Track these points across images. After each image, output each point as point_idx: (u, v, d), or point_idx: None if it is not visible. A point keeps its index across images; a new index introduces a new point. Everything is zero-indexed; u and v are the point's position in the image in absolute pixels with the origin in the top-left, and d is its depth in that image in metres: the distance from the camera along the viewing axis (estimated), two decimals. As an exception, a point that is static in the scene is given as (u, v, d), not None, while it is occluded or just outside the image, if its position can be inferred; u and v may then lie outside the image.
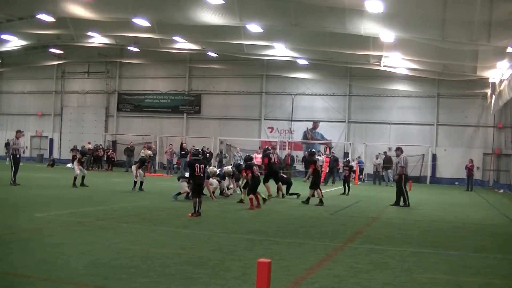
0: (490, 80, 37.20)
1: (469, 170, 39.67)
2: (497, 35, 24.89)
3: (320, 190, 23.22)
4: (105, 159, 47.36)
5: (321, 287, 8.72)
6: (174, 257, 10.55)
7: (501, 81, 33.67)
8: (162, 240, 12.59)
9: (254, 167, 21.48)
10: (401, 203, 23.58)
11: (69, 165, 44.17)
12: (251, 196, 19.97)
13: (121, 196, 23.56)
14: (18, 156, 26.00)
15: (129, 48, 45.33)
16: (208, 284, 8.54)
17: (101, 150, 47.44)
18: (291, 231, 15.30)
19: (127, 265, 9.56)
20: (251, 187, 20.46)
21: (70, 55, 51.62)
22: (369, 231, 16.11)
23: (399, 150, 24.75)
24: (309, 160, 25.86)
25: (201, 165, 17.46)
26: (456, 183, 43.74)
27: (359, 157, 45.16)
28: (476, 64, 32.60)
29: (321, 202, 22.45)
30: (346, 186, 29.01)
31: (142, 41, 40.61)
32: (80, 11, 31.58)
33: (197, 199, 16.89)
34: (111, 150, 48.57)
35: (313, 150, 33.41)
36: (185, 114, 53.36)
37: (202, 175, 17.56)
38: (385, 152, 42.46)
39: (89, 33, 39.51)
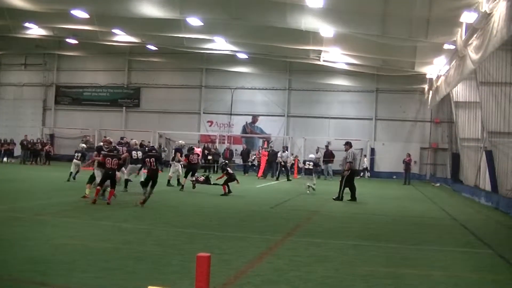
0: (428, 76, 37.78)
1: (407, 164, 40.26)
2: (434, 32, 25.19)
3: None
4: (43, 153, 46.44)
5: (262, 281, 8.70)
6: (115, 251, 10.42)
7: (438, 77, 34.21)
8: (102, 235, 12.41)
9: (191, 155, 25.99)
10: (347, 197, 23.70)
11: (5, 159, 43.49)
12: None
13: (59, 190, 23.08)
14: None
15: (67, 40, 44.41)
16: (149, 278, 8.42)
17: (39, 144, 46.49)
18: (232, 224, 15.33)
19: (66, 260, 9.37)
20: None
21: (6, 46, 50.10)
22: (309, 224, 16.25)
23: (347, 144, 24.66)
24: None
25: (151, 159, 18.72)
26: (394, 177, 44.38)
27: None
28: (414, 60, 32.98)
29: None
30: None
31: (81, 33, 39.70)
32: (17, 1, 30.59)
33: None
34: (49, 144, 47.62)
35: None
36: (124, 108, 52.85)
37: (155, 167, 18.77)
38: (326, 146, 42.69)
39: (26, 24, 38.51)
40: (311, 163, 25.15)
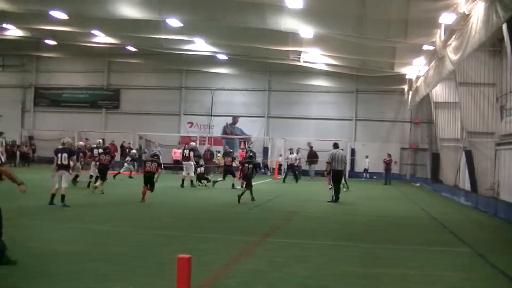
0: (407, 77, 37.92)
1: (387, 164, 40.44)
2: (413, 33, 25.29)
3: None
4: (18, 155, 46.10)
5: (240, 282, 8.69)
6: (86, 254, 10.31)
7: (417, 78, 34.40)
8: (73, 237, 12.32)
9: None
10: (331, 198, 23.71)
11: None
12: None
13: (30, 193, 22.79)
14: None
15: (46, 41, 44.10)
16: (123, 281, 8.37)
17: (23, 146, 46.22)
18: (209, 226, 15.27)
19: (35, 263, 9.26)
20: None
21: (-17, 48, 49.98)
22: (288, 225, 16.24)
23: (333, 145, 24.88)
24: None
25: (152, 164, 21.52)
26: (375, 177, 44.45)
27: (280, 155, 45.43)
28: (393, 61, 33.08)
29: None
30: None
31: (59, 34, 39.36)
32: (-7, 2, 30.51)
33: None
34: (25, 146, 47.27)
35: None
36: (103, 109, 52.63)
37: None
38: (311, 147, 42.74)
39: (4, 25, 38.22)
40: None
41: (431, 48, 26.33)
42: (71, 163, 18.40)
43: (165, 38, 35.63)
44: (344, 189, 28.93)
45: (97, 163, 24.63)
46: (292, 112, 48.78)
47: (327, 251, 11.84)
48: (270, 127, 49.48)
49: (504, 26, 16.98)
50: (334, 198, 23.63)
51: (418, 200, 26.89)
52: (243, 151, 40.06)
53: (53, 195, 17.84)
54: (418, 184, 41.46)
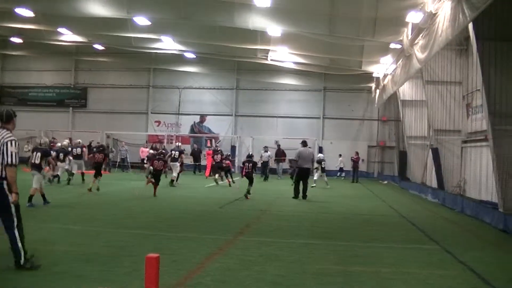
0: (375, 75, 38.13)
1: (355, 162, 40.66)
2: (381, 31, 25.46)
3: None
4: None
5: (213, 281, 8.72)
6: (63, 254, 10.27)
7: (385, 76, 34.59)
8: (51, 237, 12.19)
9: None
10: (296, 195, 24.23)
11: None
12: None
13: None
14: None
15: (12, 39, 43.54)
16: (99, 280, 8.37)
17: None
18: (182, 225, 15.25)
19: (13, 265, 9.12)
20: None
21: None
22: (259, 223, 16.27)
23: (301, 143, 25.29)
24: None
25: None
26: (343, 175, 44.61)
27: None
28: (361, 59, 33.23)
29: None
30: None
31: (26, 33, 38.85)
32: (-44, 0, 30.03)
33: None
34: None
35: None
36: (71, 108, 52.01)
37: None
38: (278, 145, 42.73)
39: (-32, 24, 37.70)
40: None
41: (399, 46, 26.51)
42: (43, 164, 18.61)
43: (134, 37, 35.41)
44: (328, 186, 29.27)
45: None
46: (260, 110, 48.81)
47: (298, 249, 11.88)
48: (238, 125, 49.41)
49: (470, 25, 17.15)
50: (294, 194, 24.27)
51: (386, 198, 27.08)
52: (210, 150, 40.01)
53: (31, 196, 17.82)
54: (385, 182, 41.75)
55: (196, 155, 44.40)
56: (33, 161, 18.35)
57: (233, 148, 47.14)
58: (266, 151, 39.45)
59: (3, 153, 8.92)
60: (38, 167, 18.29)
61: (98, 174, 24.03)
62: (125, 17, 29.73)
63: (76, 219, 15.31)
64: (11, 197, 8.92)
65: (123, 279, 8.54)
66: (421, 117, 32.41)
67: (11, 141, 9.05)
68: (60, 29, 35.90)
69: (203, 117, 49.99)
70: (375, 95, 41.83)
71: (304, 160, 24.38)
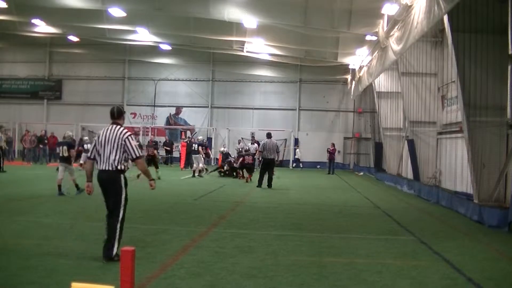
0: (350, 67, 38.24)
1: (331, 153, 40.77)
2: (356, 23, 25.56)
3: None
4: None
5: (187, 273, 8.68)
6: (35, 248, 10.15)
7: (360, 68, 34.71)
8: (22, 231, 12.05)
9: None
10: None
11: None
12: None
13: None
14: None
15: (-17, 31, 43.07)
16: (72, 274, 8.21)
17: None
18: (155, 217, 15.20)
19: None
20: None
21: None
22: (233, 215, 16.20)
23: (266, 135, 26.63)
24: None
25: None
26: (318, 166, 44.77)
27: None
28: (337, 51, 33.35)
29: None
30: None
31: (-2, 24, 38.62)
32: None
33: None
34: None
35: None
36: (45, 100, 51.50)
37: None
38: (252, 137, 42.56)
39: None
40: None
41: (374, 38, 26.60)
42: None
43: (109, 28, 35.17)
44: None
45: None
46: (236, 102, 48.81)
47: (272, 241, 11.85)
48: (214, 117, 49.36)
49: (446, 17, 17.20)
50: (258, 183, 25.60)
51: (362, 189, 27.19)
52: (184, 142, 39.94)
53: (59, 186, 19.21)
54: (361, 173, 41.90)
55: (169, 147, 44.58)
56: (61, 155, 19.41)
57: (209, 139, 47.03)
58: (253, 143, 39.16)
59: (125, 148, 9.53)
60: (67, 160, 19.37)
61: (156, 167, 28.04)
62: (100, 8, 29.48)
63: (48, 212, 15.16)
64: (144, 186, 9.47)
65: (97, 273, 8.44)
66: (397, 109, 32.53)
67: (129, 136, 9.69)
68: (33, 20, 35.53)
69: (178, 108, 49.83)
70: (350, 87, 41.97)
71: (268, 151, 25.69)
